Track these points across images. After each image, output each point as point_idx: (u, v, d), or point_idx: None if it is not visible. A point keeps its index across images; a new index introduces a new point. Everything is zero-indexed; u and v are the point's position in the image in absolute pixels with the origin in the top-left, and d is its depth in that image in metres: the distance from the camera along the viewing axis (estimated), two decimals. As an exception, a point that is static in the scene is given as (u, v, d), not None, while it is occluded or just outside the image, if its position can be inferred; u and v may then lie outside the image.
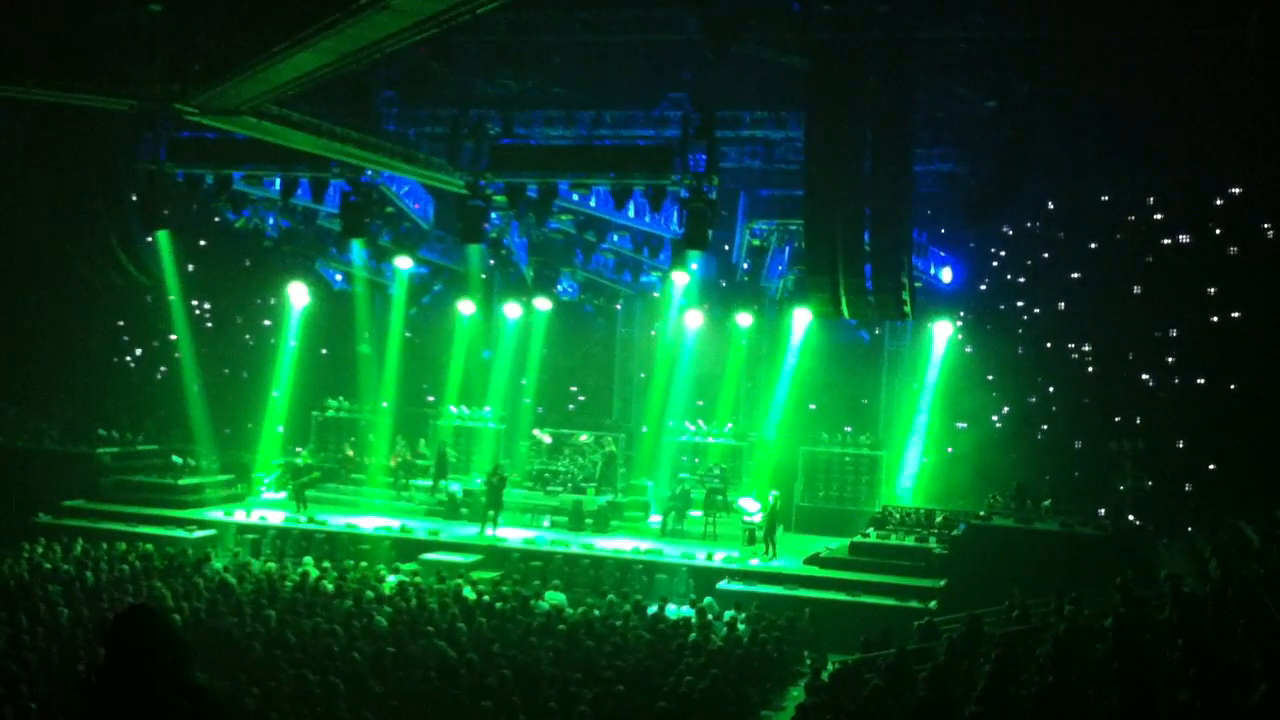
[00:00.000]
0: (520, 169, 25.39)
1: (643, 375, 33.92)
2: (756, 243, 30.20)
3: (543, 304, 33.68)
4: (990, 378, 32.06)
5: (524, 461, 33.07)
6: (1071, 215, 31.00)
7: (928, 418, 31.27)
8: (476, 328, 34.43)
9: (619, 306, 35.88)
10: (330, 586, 22.20)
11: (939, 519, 27.78)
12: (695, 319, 31.98)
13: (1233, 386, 29.10)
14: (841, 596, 23.90)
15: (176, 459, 31.91)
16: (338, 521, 28.77)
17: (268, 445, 34.25)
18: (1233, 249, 29.25)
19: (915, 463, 31.20)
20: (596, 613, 20.99)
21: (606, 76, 24.40)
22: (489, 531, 27.97)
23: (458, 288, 34.06)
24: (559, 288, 33.94)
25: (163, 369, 38.14)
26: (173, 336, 37.42)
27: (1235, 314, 29.09)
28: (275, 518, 28.84)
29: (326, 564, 24.60)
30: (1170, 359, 30.09)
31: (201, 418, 34.66)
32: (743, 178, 27.96)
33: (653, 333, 33.79)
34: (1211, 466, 28.93)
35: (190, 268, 33.01)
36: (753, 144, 26.35)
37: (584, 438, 33.03)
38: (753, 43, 21.39)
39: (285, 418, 34.72)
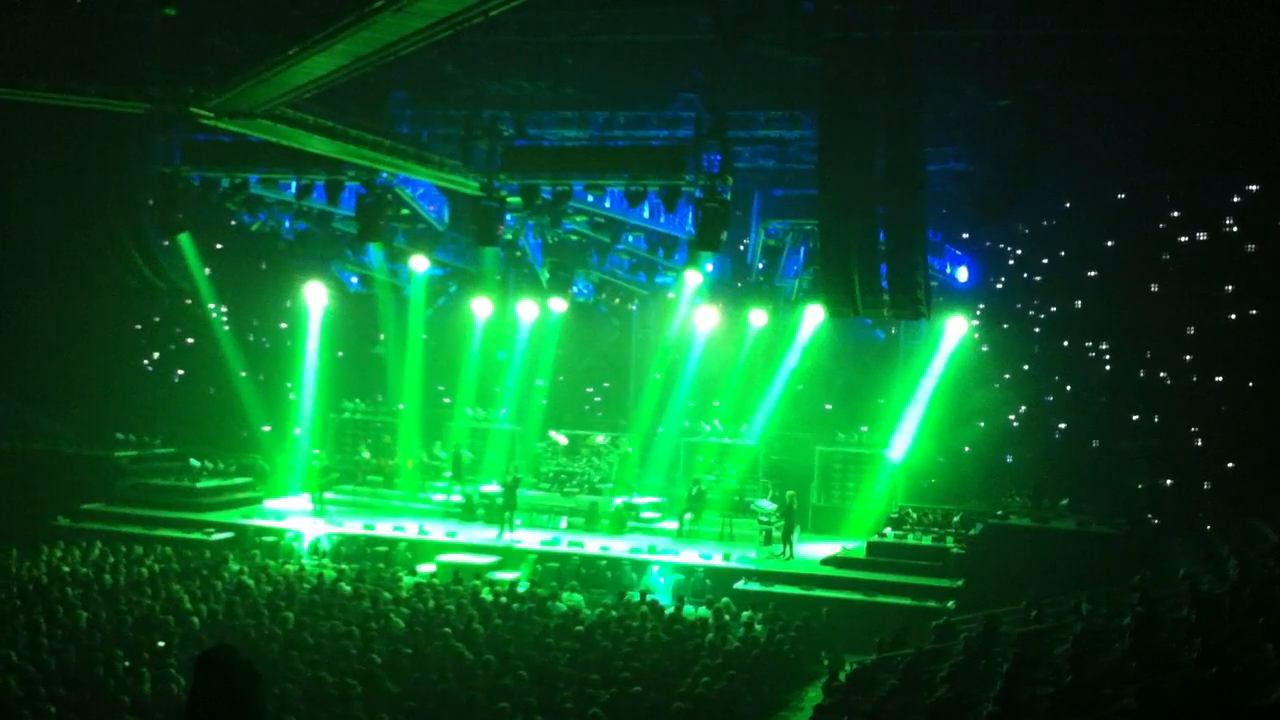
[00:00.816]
0: (534, 170, 25.39)
1: (658, 376, 33.90)
2: (771, 242, 30.13)
3: (558, 305, 33.69)
4: (1006, 376, 31.97)
5: (540, 463, 33.08)
6: (1087, 213, 30.87)
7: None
8: (491, 329, 34.46)
9: (634, 307, 35.87)
10: (347, 588, 22.27)
11: (956, 519, 27.70)
12: (710, 319, 31.94)
13: (1250, 385, 28.94)
14: (858, 597, 23.87)
15: (194, 462, 32.02)
16: (354, 524, 28.85)
17: (289, 447, 34.36)
18: (1250, 246, 29.10)
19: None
20: (614, 614, 21.00)
21: (619, 77, 24.38)
22: (506, 534, 28.03)
23: (473, 289, 34.11)
24: (574, 289, 33.96)
25: (180, 372, 38.27)
26: (189, 340, 37.68)
27: (1253, 311, 28.93)
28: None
29: (344, 566, 24.67)
30: (1188, 357, 29.94)
31: (218, 420, 34.81)
32: (757, 177, 27.90)
33: (668, 333, 33.76)
34: (1229, 465, 28.78)
35: (206, 271, 33.11)
36: (766, 143, 26.27)
37: (600, 439, 33.02)
38: (764, 42, 21.34)
39: (301, 419, 34.81)
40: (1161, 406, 30.06)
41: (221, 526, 28.76)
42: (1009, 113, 22.81)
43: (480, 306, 33.85)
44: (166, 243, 29.58)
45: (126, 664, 15.98)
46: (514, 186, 25.58)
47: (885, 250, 22.15)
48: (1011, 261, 32.65)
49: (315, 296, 33.88)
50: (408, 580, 24.11)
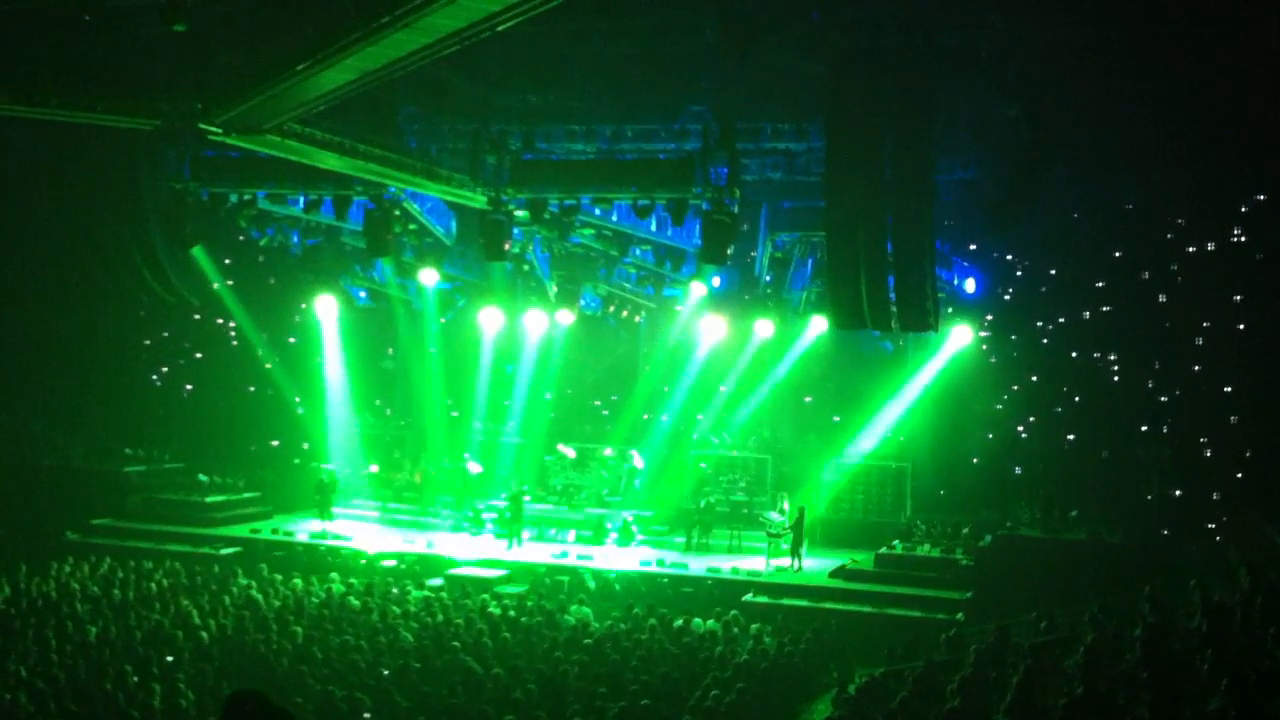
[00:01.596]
0: (542, 184, 25.43)
1: (666, 389, 33.89)
2: (779, 255, 30.12)
3: (565, 317, 33.70)
4: (1015, 387, 31.92)
5: (548, 475, 33.05)
6: (1095, 223, 30.81)
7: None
8: (499, 342, 34.46)
9: (641, 319, 35.86)
10: (356, 603, 22.26)
11: (965, 530, 27.62)
12: (718, 332, 31.92)
13: (1259, 394, 28.84)
14: (868, 609, 23.81)
15: (202, 477, 32.06)
16: (360, 537, 28.85)
17: (301, 461, 34.42)
18: (1259, 256, 29.02)
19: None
20: (623, 626, 20.98)
21: (627, 89, 24.42)
22: (514, 547, 28.02)
23: (481, 303, 34.13)
24: (581, 301, 33.97)
25: (189, 386, 38.33)
26: (198, 355, 37.73)
27: (1261, 321, 28.84)
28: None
29: (353, 580, 24.66)
30: (1196, 367, 29.85)
31: (228, 435, 34.85)
32: (765, 190, 27.90)
33: (675, 346, 33.73)
34: (1239, 475, 28.68)
35: (214, 285, 33.18)
36: (774, 155, 26.27)
37: (608, 451, 33.01)
38: (772, 51, 21.36)
39: (310, 433, 34.88)
40: (1170, 417, 29.97)
41: (231, 541, 28.82)
42: (1017, 121, 22.79)
43: (488, 320, 33.84)
44: (177, 257, 29.63)
45: (136, 679, 15.99)
46: (522, 200, 25.62)
47: (893, 262, 22.12)
48: (1019, 272, 32.59)
49: (324, 311, 33.87)
50: (416, 594, 24.09)
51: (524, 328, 34.04)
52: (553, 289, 32.63)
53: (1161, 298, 30.20)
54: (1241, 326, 29.18)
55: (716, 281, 31.34)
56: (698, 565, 26.53)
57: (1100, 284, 31.31)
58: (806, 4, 21.06)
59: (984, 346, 31.42)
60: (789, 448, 32.49)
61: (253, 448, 35.70)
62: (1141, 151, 25.97)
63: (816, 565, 26.78)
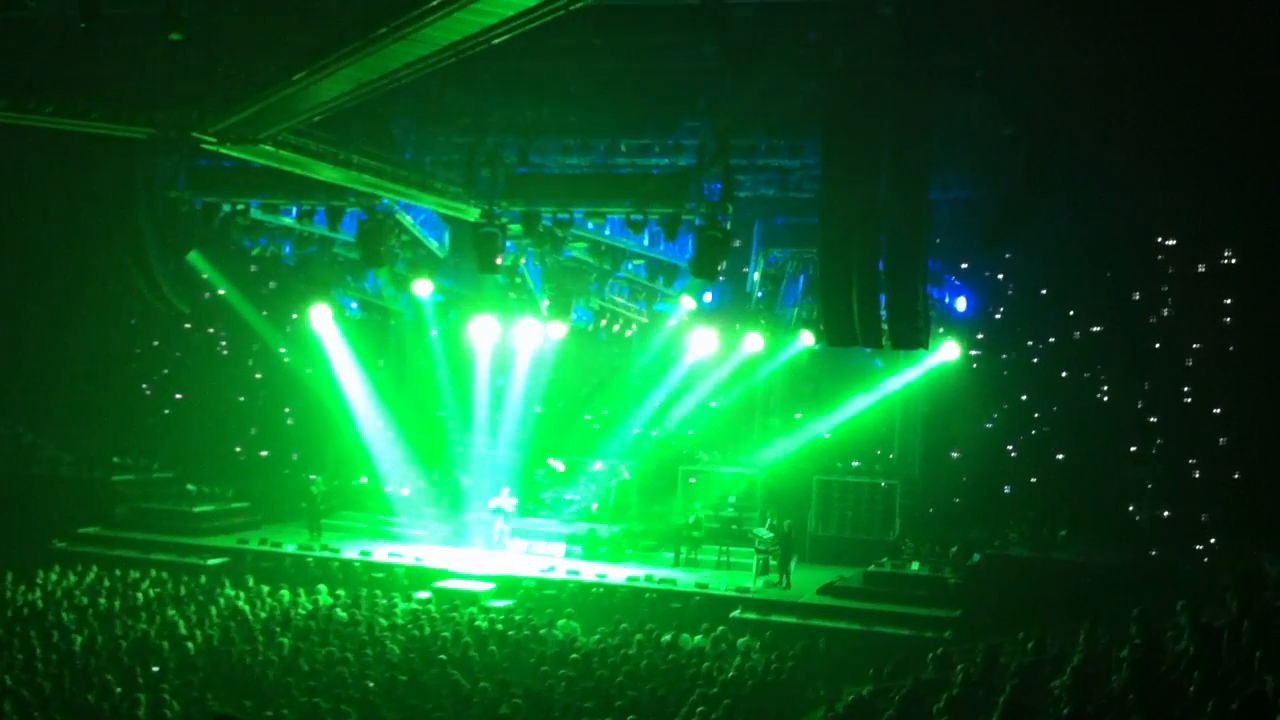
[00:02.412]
0: (536, 197, 25.43)
1: (657, 403, 33.88)
2: (772, 271, 30.18)
3: (557, 331, 33.67)
4: (1005, 406, 31.98)
5: (538, 489, 33.00)
6: (1086, 243, 30.89)
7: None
8: (491, 355, 34.39)
9: (632, 333, 35.84)
10: (343, 615, 22.20)
11: (954, 549, 27.61)
12: (709, 346, 31.91)
13: (1248, 416, 28.90)
14: (857, 626, 23.79)
15: (191, 486, 31.96)
16: (351, 549, 28.78)
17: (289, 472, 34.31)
18: (1248, 277, 29.10)
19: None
20: (611, 641, 20.94)
21: (622, 104, 24.46)
22: (506, 559, 28.01)
23: (472, 315, 34.07)
24: (573, 315, 33.93)
25: (178, 395, 38.23)
26: (188, 364, 37.65)
27: (1254, 342, 28.91)
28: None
29: (340, 592, 24.60)
30: (1186, 388, 29.92)
31: (216, 444, 34.75)
32: (758, 205, 27.95)
33: (666, 360, 33.72)
34: (1227, 496, 28.73)
35: (214, 293, 33.16)
36: (768, 171, 26.33)
37: (598, 465, 32.97)
38: (769, 70, 21.40)
39: (302, 444, 34.81)
40: (1160, 437, 30.03)
41: (218, 551, 28.72)
42: (1012, 141, 22.84)
43: (480, 332, 33.77)
44: (170, 266, 29.55)
45: (120, 689, 15.92)
46: (515, 213, 25.62)
47: (886, 279, 22.15)
48: (1010, 291, 32.67)
49: (315, 321, 33.72)
50: (403, 607, 24.04)
51: (515, 341, 34.00)
52: (544, 302, 32.60)
53: (1152, 319, 30.30)
54: (1231, 348, 29.26)
55: (708, 297, 31.35)
56: (686, 581, 26.50)
57: (1091, 304, 31.40)
58: (804, 23, 21.11)
59: (974, 365, 31.49)
60: (778, 463, 32.47)
61: (242, 458, 35.61)
62: (1133, 172, 26.05)
63: (806, 582, 26.75)
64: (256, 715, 15.49)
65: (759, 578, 26.77)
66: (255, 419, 36.75)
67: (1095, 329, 31.27)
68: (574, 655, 19.29)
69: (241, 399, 36.96)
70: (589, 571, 27.17)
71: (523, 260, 30.49)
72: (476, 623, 22.05)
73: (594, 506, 31.87)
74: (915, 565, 26.58)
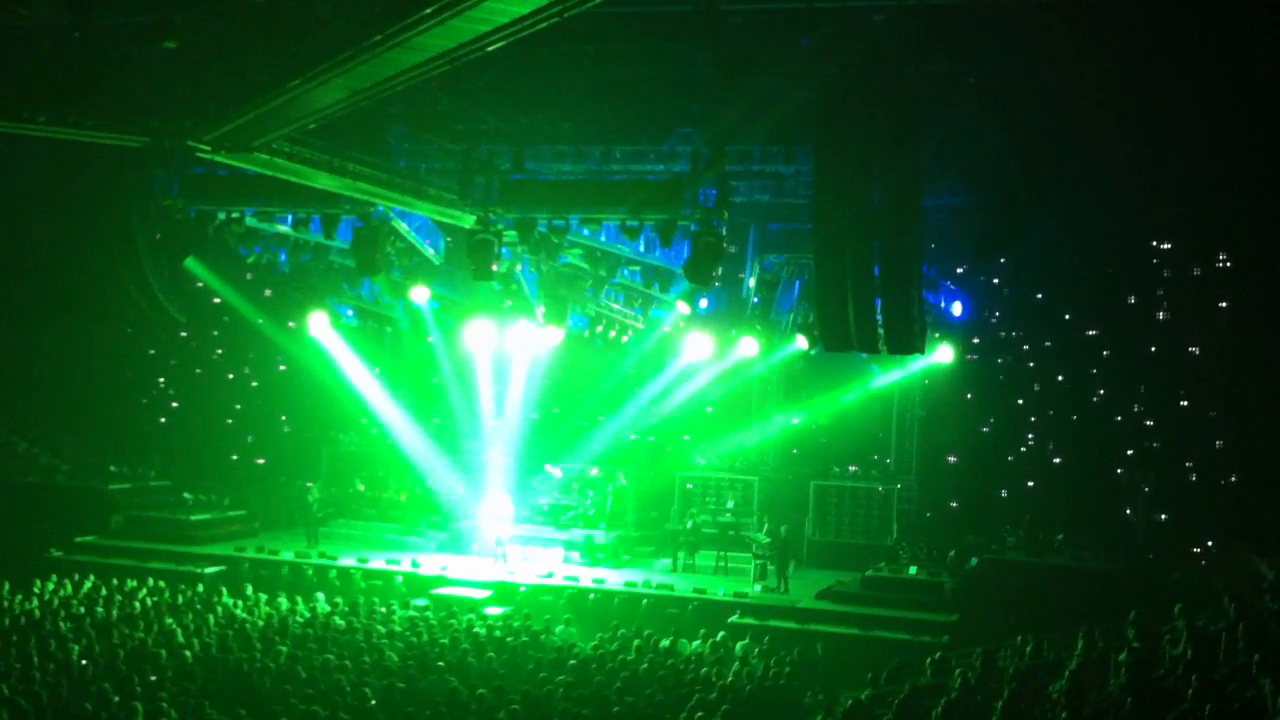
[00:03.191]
0: (530, 204, 25.43)
1: (654, 409, 33.87)
2: (768, 276, 30.18)
3: (552, 337, 33.64)
4: (1002, 410, 32.00)
5: (535, 495, 32.99)
6: (1082, 247, 30.92)
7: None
8: (491, 360, 34.33)
9: (628, 339, 35.83)
10: (341, 622, 22.17)
11: (951, 553, 27.65)
12: (704, 352, 31.90)
13: (1244, 419, 28.93)
14: (854, 631, 23.81)
15: (187, 495, 31.92)
16: (348, 557, 28.74)
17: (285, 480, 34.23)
18: (1245, 280, 29.14)
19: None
20: (608, 647, 20.92)
21: (617, 111, 24.45)
22: (501, 566, 27.98)
23: (467, 322, 34.02)
24: (569, 321, 33.90)
25: (174, 404, 38.18)
26: (184, 373, 37.61)
27: (1247, 346, 28.95)
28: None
29: (338, 599, 24.57)
30: (1182, 391, 29.96)
31: (212, 453, 34.70)
32: (753, 212, 27.98)
33: (662, 365, 33.71)
34: (1224, 499, 28.76)
35: (211, 301, 33.12)
36: (763, 178, 26.35)
37: (594, 471, 32.96)
38: (763, 77, 21.42)
39: (295, 450, 34.75)
40: (1156, 442, 30.05)
41: (215, 559, 28.68)
42: (1006, 147, 22.89)
43: (475, 339, 33.72)
44: (164, 275, 29.50)
45: (118, 698, 15.89)
46: (510, 220, 25.62)
47: (881, 284, 22.16)
48: (1006, 294, 32.70)
49: (321, 327, 33.54)
50: (401, 614, 24.01)
51: (511, 347, 33.96)
52: (540, 308, 32.58)
53: (1148, 322, 30.33)
54: (1227, 352, 29.29)
55: (704, 303, 31.33)
56: (684, 586, 26.50)
57: (1086, 308, 31.43)
58: (797, 31, 21.13)
59: (970, 369, 31.51)
60: (775, 468, 32.48)
61: (239, 466, 35.56)
62: (1128, 177, 26.08)
63: (803, 587, 26.76)
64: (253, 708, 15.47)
65: (757, 583, 26.76)
66: (251, 427, 36.70)
67: (1091, 333, 31.30)
68: (572, 661, 19.28)
69: (238, 407, 36.91)
70: (586, 577, 27.16)
71: (518, 267, 30.47)
72: (474, 629, 22.02)
73: (591, 512, 31.82)
74: (913, 570, 26.62)
